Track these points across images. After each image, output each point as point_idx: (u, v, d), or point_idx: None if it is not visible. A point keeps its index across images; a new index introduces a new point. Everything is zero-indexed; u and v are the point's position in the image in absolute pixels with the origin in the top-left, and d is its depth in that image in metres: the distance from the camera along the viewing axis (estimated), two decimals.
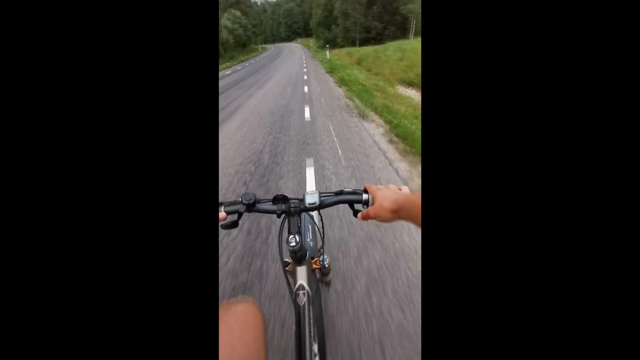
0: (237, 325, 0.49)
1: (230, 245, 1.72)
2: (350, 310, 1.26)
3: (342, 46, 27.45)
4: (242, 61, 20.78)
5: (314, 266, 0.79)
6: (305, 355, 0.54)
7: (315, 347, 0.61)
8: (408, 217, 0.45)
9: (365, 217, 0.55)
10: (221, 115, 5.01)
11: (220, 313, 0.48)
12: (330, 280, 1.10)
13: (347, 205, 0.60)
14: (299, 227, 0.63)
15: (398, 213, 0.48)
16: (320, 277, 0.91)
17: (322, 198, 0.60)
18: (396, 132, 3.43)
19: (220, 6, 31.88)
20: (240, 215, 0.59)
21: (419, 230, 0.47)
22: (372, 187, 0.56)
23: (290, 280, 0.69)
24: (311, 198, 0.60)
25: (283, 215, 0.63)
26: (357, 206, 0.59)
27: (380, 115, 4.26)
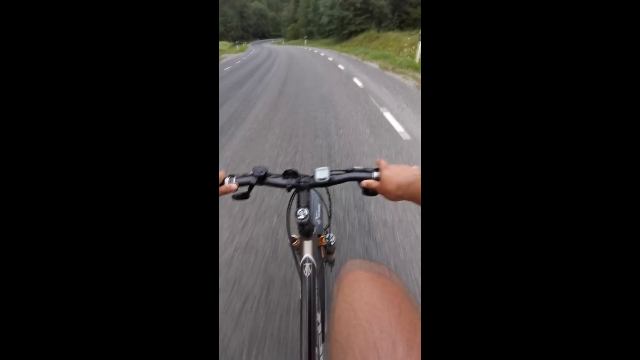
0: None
1: None
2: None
3: None
4: None
5: (320, 243, 0.81)
6: (310, 322, 0.56)
7: (319, 316, 0.62)
8: (411, 199, 0.48)
9: (369, 189, 0.58)
10: None
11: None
12: (334, 260, 1.13)
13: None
14: (308, 202, 0.65)
15: (402, 196, 0.51)
16: (325, 255, 0.92)
17: (332, 174, 0.62)
18: None
19: None
20: (251, 187, 0.63)
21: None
22: (382, 164, 0.58)
23: (297, 254, 0.72)
24: (321, 174, 0.62)
25: (292, 190, 0.66)
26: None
27: None
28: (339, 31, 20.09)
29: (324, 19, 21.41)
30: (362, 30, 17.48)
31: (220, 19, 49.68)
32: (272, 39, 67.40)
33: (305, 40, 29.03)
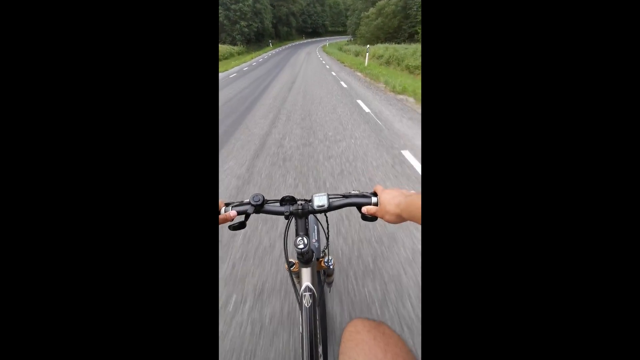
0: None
1: None
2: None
3: None
4: None
5: (319, 267, 0.79)
6: (312, 356, 0.55)
7: (320, 348, 0.61)
8: (410, 218, 0.48)
9: (369, 215, 0.58)
10: None
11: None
12: (332, 281, 1.11)
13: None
14: (307, 229, 0.63)
15: (401, 215, 0.51)
16: (324, 278, 0.92)
17: (330, 200, 0.61)
18: None
19: None
20: (247, 216, 0.60)
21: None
22: (379, 189, 0.58)
23: (296, 280, 0.70)
24: (320, 200, 0.60)
25: (290, 217, 0.64)
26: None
27: None
28: None
29: None
30: None
31: (233, 6, 26.66)
32: (327, 39, 41.62)
33: None
